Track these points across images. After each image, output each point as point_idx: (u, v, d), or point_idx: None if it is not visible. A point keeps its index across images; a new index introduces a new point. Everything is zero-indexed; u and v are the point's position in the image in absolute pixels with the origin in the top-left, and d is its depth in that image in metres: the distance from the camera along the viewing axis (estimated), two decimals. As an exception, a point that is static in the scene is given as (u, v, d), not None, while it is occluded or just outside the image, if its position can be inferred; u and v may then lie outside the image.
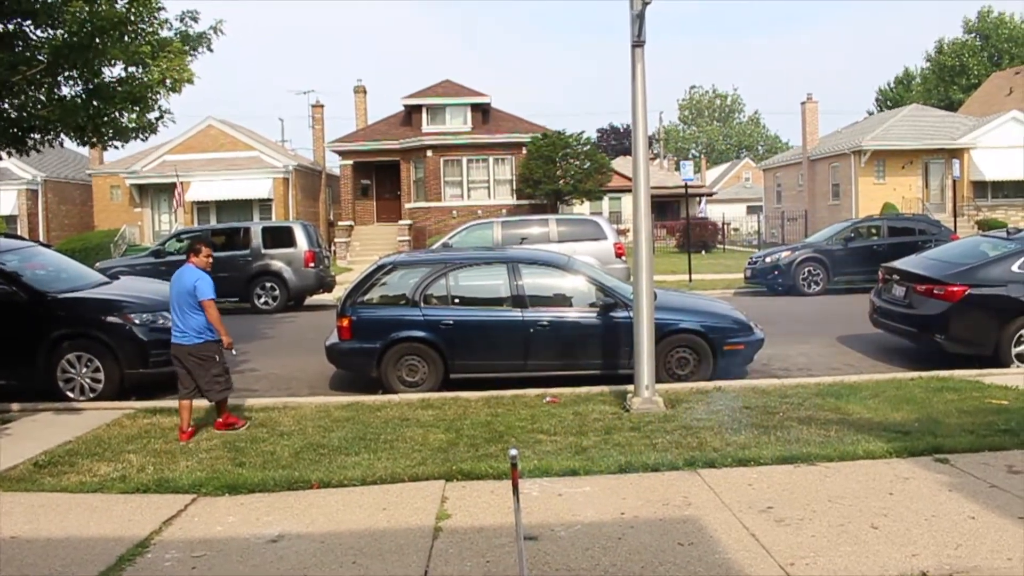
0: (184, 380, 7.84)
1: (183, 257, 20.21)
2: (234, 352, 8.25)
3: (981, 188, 35.14)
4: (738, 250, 37.99)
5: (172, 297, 7.84)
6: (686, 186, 25.12)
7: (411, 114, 36.26)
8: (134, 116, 11.29)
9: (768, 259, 20.93)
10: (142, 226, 36.64)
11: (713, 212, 51.28)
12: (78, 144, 11.91)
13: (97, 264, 18.56)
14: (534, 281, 10.10)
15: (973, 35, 62.66)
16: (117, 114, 11.05)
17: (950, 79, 60.82)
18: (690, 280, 22.34)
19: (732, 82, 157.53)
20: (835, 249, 20.67)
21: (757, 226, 42.40)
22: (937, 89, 61.27)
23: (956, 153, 33.37)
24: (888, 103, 63.40)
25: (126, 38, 10.60)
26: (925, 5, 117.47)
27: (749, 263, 21.60)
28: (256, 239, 19.27)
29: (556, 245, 16.64)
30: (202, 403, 8.09)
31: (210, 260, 8.03)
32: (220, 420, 7.97)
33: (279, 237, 19.53)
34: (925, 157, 34.91)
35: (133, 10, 10.49)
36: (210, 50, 11.68)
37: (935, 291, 10.54)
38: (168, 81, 10.90)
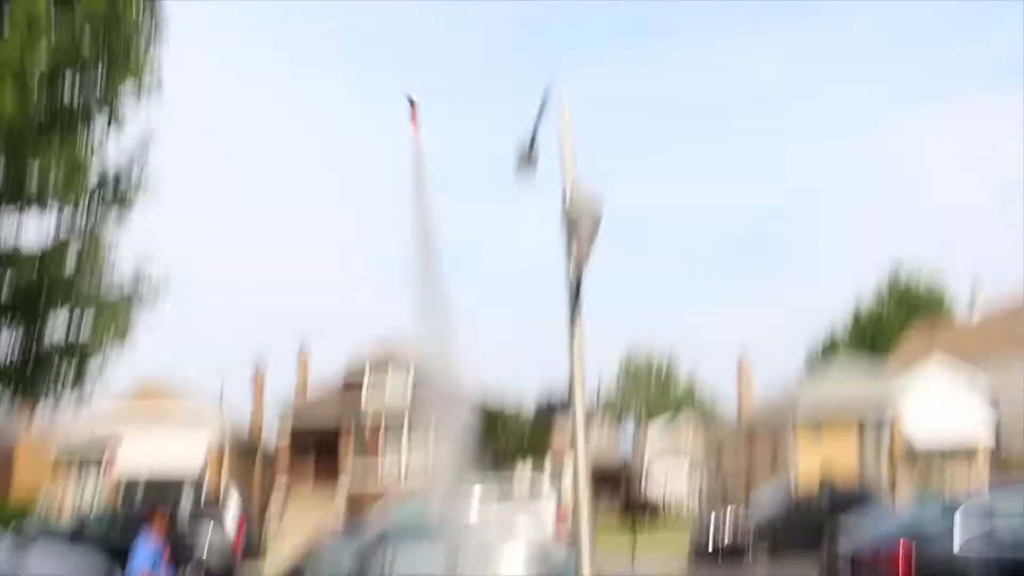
0: None
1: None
2: None
3: (916, 447, 35.73)
4: (683, 517, 37.49)
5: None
6: (625, 463, 25.15)
7: (350, 386, 36.66)
8: (72, 371, 11.23)
9: (710, 533, 20.64)
10: (62, 496, 34.64)
11: (656, 469, 50.98)
12: (11, 399, 11.62)
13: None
14: None
15: (888, 300, 66.73)
16: (56, 367, 11.02)
17: (872, 341, 63.91)
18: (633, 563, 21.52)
19: (667, 346, 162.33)
20: (776, 521, 20.54)
21: (699, 485, 42.24)
22: (861, 350, 64.13)
23: (888, 414, 34.30)
24: (818, 365, 65.79)
25: (72, 295, 10.80)
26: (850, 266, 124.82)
27: (692, 540, 21.33)
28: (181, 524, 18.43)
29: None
30: None
31: (163, 527, 8.82)
32: None
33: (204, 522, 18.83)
34: (859, 418, 35.67)
35: (81, 271, 10.76)
36: (156, 310, 11.85)
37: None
38: (109, 338, 11.02)
